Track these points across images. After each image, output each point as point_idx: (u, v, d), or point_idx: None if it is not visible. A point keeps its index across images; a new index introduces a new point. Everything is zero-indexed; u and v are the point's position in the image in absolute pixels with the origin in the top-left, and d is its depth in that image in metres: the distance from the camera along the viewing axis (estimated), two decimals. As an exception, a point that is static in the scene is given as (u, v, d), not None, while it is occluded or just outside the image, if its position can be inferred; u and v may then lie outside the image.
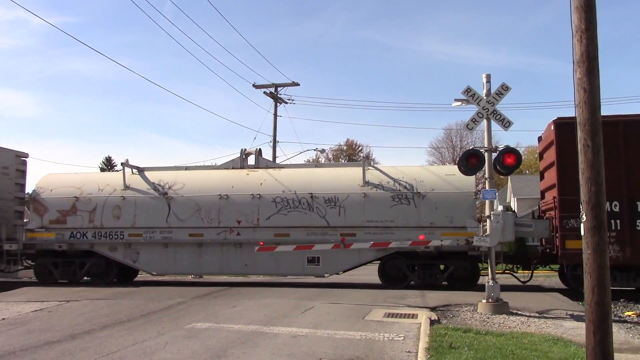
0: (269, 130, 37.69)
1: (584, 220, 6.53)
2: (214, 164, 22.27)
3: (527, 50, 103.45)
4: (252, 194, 18.01)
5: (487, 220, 12.87)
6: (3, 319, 11.81)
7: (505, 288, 14.33)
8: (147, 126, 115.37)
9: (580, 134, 6.63)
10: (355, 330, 9.88)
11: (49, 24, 55.61)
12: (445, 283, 17.14)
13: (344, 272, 18.53)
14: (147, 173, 19.61)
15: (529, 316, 12.05)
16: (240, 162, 19.36)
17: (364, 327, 10.28)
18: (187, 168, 20.67)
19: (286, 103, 36.26)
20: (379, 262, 17.71)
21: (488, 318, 11.72)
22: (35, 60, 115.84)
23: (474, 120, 13.17)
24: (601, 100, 6.74)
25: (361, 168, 17.96)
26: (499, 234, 12.56)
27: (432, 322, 10.73)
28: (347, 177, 18.01)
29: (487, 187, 12.90)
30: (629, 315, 14.08)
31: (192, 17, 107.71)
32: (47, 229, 19.18)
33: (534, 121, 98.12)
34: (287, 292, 15.81)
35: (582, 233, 6.57)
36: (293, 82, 35.33)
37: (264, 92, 35.25)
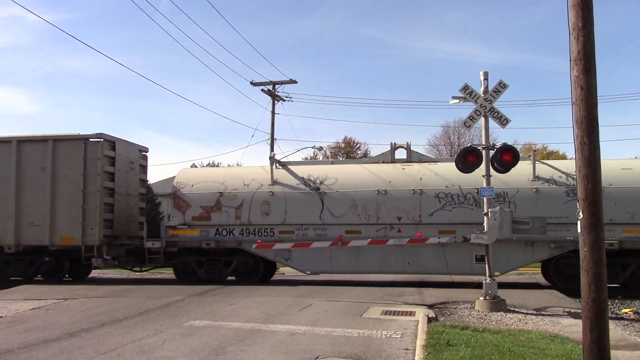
0: (267, 127, 37.58)
1: (581, 217, 6.56)
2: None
3: (524, 47, 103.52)
4: (412, 189, 17.32)
5: (485, 217, 12.90)
6: (1, 317, 11.82)
7: (502, 285, 14.38)
8: (144, 123, 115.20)
9: (577, 131, 6.65)
10: (353, 328, 9.91)
11: (45, 21, 55.86)
12: None
13: (515, 270, 18.05)
14: (291, 167, 18.81)
15: (526, 313, 12.10)
16: (391, 156, 18.61)
17: (361, 324, 10.31)
18: (332, 162, 20.07)
19: (284, 101, 36.24)
20: (550, 261, 17.16)
21: (485, 315, 11.76)
22: (31, 57, 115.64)
23: (471, 117, 13.20)
24: (598, 98, 6.76)
25: (527, 162, 17.20)
26: (496, 231, 12.60)
27: (429, 320, 10.77)
28: (515, 171, 17.33)
29: (484, 185, 12.93)
30: (626, 313, 14.14)
31: (189, 13, 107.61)
32: (190, 226, 18.34)
33: (531, 118, 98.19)
34: (284, 290, 15.84)
35: (579, 230, 6.60)
36: (290, 79, 35.31)
37: (262, 90, 35.23)
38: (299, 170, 18.58)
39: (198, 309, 12.20)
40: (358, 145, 65.58)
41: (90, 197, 18.39)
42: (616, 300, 15.55)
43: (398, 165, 18.31)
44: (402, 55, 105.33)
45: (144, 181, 21.34)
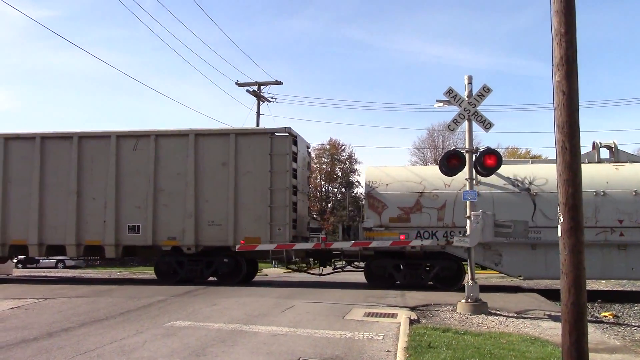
0: (252, 128, 37.32)
1: (561, 221, 6.62)
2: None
3: (508, 52, 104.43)
4: (634, 191, 16.52)
5: (467, 220, 12.98)
6: (-22, 316, 11.66)
7: (485, 289, 14.47)
8: (126, 122, 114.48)
9: (558, 136, 6.72)
10: (334, 330, 9.91)
11: (28, 17, 55.14)
12: None
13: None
14: None
15: (508, 316, 12.19)
16: (597, 156, 17.90)
17: (343, 326, 10.32)
18: (532, 162, 19.40)
19: (269, 101, 36.18)
20: None
21: (467, 318, 11.82)
22: (14, 53, 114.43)
23: (455, 121, 13.28)
24: (580, 103, 6.83)
25: None
26: (478, 234, 12.69)
27: (411, 322, 10.80)
28: None
29: (467, 188, 13.02)
30: (605, 316, 14.30)
31: (174, 12, 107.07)
32: (388, 228, 17.32)
33: (515, 123, 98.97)
34: (267, 291, 15.81)
35: (559, 234, 6.66)
36: (276, 80, 35.28)
37: (247, 90, 35.16)
38: (501, 170, 17.80)
39: (180, 310, 12.14)
40: (343, 147, 65.74)
41: (278, 195, 17.60)
42: (596, 304, 15.72)
43: (608, 165, 17.56)
44: (387, 58, 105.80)
45: (309, 178, 20.81)
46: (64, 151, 18.84)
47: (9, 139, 19.25)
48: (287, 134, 17.87)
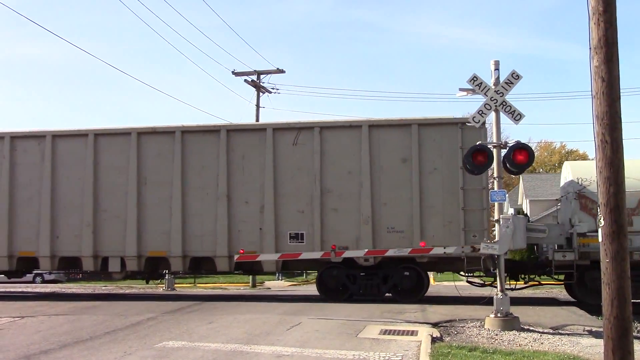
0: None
1: (602, 225, 6.60)
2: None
3: (539, 33, 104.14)
4: None
5: (496, 224, 12.95)
6: (-52, 337, 11.73)
7: (516, 301, 14.42)
8: (110, 117, 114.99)
9: (597, 128, 6.70)
10: (347, 349, 9.91)
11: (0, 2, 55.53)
12: None
13: None
14: None
15: (542, 332, 12.14)
16: None
17: (357, 345, 10.31)
18: None
19: (270, 92, 36.23)
20: None
21: (496, 335, 11.79)
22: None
23: (480, 112, 13.24)
24: (621, 91, 6.81)
25: None
26: (508, 240, 12.64)
27: (433, 340, 10.78)
28: None
29: (495, 188, 12.97)
30: (654, 331, 14.20)
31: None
32: None
33: (548, 114, 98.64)
34: (270, 306, 15.83)
35: (600, 239, 6.64)
36: (278, 68, 35.31)
37: (245, 81, 35.21)
38: None
39: (172, 328, 12.17)
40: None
41: (472, 195, 16.95)
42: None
43: None
44: (401, 42, 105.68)
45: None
46: (208, 147, 18.31)
47: (143, 133, 18.74)
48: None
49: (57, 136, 19.13)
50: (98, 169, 18.68)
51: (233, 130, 18.30)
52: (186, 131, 18.48)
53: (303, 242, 17.43)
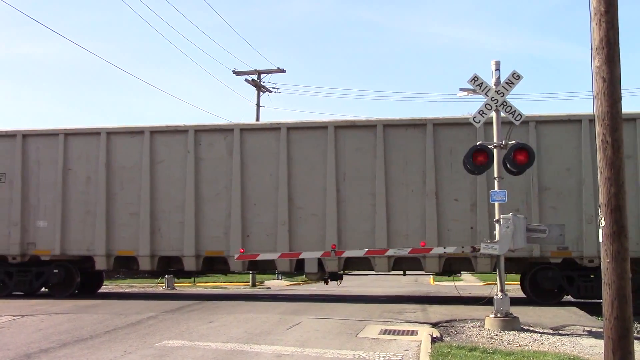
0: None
1: (603, 225, 6.60)
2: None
3: (540, 33, 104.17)
4: None
5: (496, 224, 12.94)
6: (-52, 336, 11.74)
7: (516, 301, 14.42)
8: (111, 117, 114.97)
9: (598, 128, 6.70)
10: (347, 349, 9.91)
11: (2, 0, 55.64)
12: None
13: None
14: None
15: (542, 333, 12.14)
16: None
17: (357, 345, 10.32)
18: None
19: (270, 92, 36.27)
20: None
21: (496, 335, 11.79)
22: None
23: (481, 112, 13.23)
24: (623, 91, 6.81)
25: None
26: (509, 240, 12.62)
27: (433, 340, 10.78)
28: None
29: (496, 188, 12.97)
30: (654, 332, 14.20)
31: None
32: None
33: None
34: (270, 306, 15.84)
35: (601, 240, 6.64)
36: (278, 68, 35.32)
37: (246, 80, 35.23)
38: None
39: (172, 327, 12.18)
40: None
41: None
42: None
43: None
44: (402, 42, 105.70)
45: None
46: (412, 141, 17.45)
47: (340, 127, 17.91)
48: None
49: (245, 130, 18.32)
50: (291, 164, 17.81)
51: (440, 124, 17.45)
52: (388, 125, 17.63)
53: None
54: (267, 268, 19.07)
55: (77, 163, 18.77)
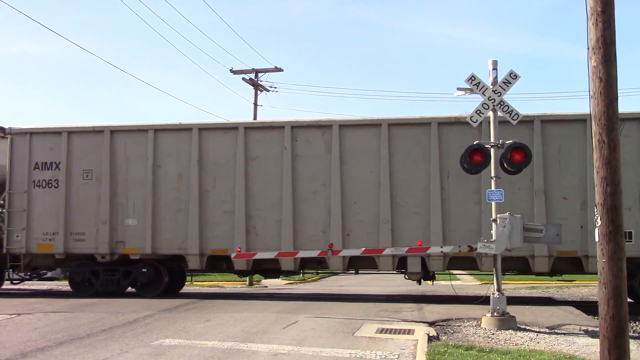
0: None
1: (599, 224, 6.62)
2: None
3: (537, 33, 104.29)
4: None
5: (493, 224, 12.96)
6: (-56, 334, 11.73)
7: (512, 301, 14.45)
8: (108, 115, 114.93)
9: (595, 128, 6.72)
10: (343, 348, 9.93)
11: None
12: None
13: None
14: None
15: (539, 332, 12.17)
16: None
17: (353, 343, 10.33)
18: None
19: (268, 91, 36.25)
20: None
21: (493, 334, 11.82)
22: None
23: (478, 112, 13.25)
24: (619, 91, 6.83)
25: None
26: (505, 239, 12.65)
27: (430, 339, 10.81)
28: None
29: (492, 187, 12.99)
30: (650, 331, 14.23)
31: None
32: None
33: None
34: (267, 305, 15.84)
35: (597, 239, 6.66)
36: (275, 67, 35.31)
37: (243, 79, 35.21)
38: None
39: (169, 326, 12.18)
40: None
41: None
42: (638, 317, 15.64)
43: None
44: (400, 41, 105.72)
45: None
46: (520, 139, 15.95)
47: (444, 123, 17.36)
48: None
49: (344, 126, 17.75)
50: (393, 161, 17.30)
51: (546, 121, 17.06)
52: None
53: (631, 242, 15.93)
54: (366, 266, 18.13)
55: (168, 160, 18.32)
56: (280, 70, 35.34)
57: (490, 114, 13.21)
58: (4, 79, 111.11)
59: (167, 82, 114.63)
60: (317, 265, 18.39)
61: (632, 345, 8.09)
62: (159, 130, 18.54)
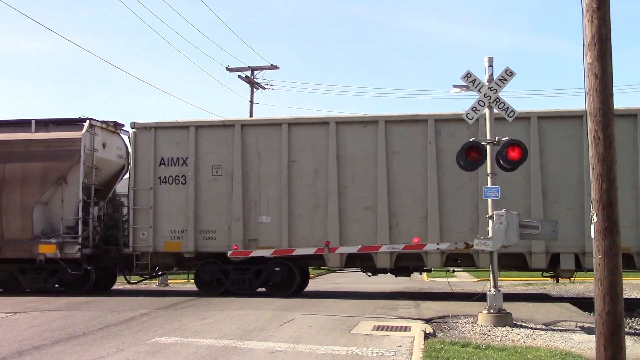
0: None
1: (595, 221, 6.63)
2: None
3: (532, 29, 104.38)
4: None
5: (489, 220, 12.97)
6: (-60, 333, 11.71)
7: (509, 297, 14.47)
8: (103, 113, 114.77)
9: (590, 124, 6.73)
10: (340, 345, 9.93)
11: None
12: None
13: None
14: None
15: (535, 328, 12.19)
16: None
17: (350, 341, 10.34)
18: None
19: (264, 88, 36.23)
20: None
21: (489, 330, 11.83)
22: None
23: (474, 109, 13.25)
24: (615, 88, 6.84)
25: None
26: (501, 236, 12.66)
27: (426, 336, 10.82)
28: None
29: (489, 184, 13.00)
30: (646, 327, 14.27)
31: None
32: None
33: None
34: (264, 302, 15.82)
35: (593, 236, 6.67)
36: (272, 64, 35.28)
37: (239, 76, 35.20)
38: None
39: (165, 324, 12.17)
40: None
41: None
42: (635, 314, 15.69)
43: None
44: (395, 38, 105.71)
45: None
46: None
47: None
48: None
49: (542, 117, 16.97)
50: (543, 156, 16.68)
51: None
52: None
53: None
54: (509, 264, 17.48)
55: (302, 154, 17.55)
56: (276, 67, 35.33)
57: (486, 111, 13.22)
58: (0, 77, 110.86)
59: (163, 80, 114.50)
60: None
61: (628, 341, 8.10)
62: (292, 124, 17.89)
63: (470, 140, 13.23)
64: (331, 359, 8.99)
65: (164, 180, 18.09)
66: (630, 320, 15.19)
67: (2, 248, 18.44)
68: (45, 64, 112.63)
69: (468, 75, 13.22)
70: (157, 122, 18.47)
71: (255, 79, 35.53)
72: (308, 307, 14.66)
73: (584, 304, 15.87)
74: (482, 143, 13.13)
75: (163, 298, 16.84)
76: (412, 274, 18.89)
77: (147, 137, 18.30)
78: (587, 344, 10.47)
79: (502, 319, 12.45)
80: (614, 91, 6.78)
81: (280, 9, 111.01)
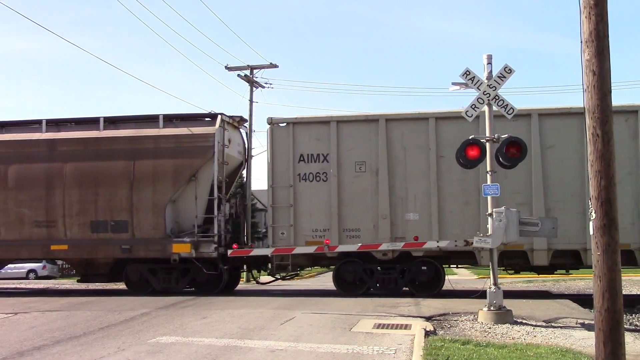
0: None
1: (593, 218, 6.64)
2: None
3: (531, 27, 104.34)
4: None
5: (489, 218, 12.98)
6: (-59, 334, 11.72)
7: (509, 294, 14.49)
8: (101, 112, 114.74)
9: (588, 121, 6.73)
10: (340, 344, 9.95)
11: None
12: None
13: None
14: None
15: (535, 325, 12.21)
16: None
17: (350, 339, 10.35)
18: None
19: (263, 87, 36.15)
20: None
21: (489, 328, 11.85)
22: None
23: (473, 106, 13.26)
24: (613, 85, 6.85)
25: None
26: (501, 234, 12.67)
27: (427, 333, 10.83)
28: None
29: (488, 182, 13.00)
30: (646, 324, 14.29)
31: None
32: None
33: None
34: (264, 301, 15.85)
35: (591, 232, 6.69)
36: (271, 63, 35.22)
37: (238, 75, 35.12)
38: None
39: (166, 324, 12.19)
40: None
41: None
42: (634, 310, 15.70)
43: None
44: (394, 36, 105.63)
45: None
46: None
47: None
48: None
49: (543, 115, 16.97)
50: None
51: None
52: None
53: None
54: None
55: (451, 149, 16.03)
56: (275, 66, 35.27)
57: (486, 108, 13.22)
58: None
59: (162, 79, 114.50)
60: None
61: (627, 337, 8.12)
62: (440, 118, 17.45)
63: (470, 137, 13.23)
64: (332, 358, 9.00)
65: (304, 177, 17.75)
66: (630, 317, 15.21)
67: (132, 247, 17.99)
68: (42, 63, 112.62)
69: (467, 73, 13.22)
70: (295, 118, 18.16)
71: (254, 78, 35.46)
72: (308, 305, 14.68)
73: (584, 300, 15.88)
74: (482, 140, 13.13)
75: (163, 297, 16.85)
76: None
77: (285, 133, 17.96)
78: (587, 340, 10.48)
79: (503, 316, 12.46)
80: (612, 88, 6.79)
81: (279, 7, 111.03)
